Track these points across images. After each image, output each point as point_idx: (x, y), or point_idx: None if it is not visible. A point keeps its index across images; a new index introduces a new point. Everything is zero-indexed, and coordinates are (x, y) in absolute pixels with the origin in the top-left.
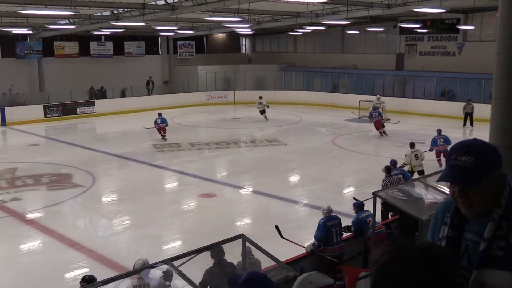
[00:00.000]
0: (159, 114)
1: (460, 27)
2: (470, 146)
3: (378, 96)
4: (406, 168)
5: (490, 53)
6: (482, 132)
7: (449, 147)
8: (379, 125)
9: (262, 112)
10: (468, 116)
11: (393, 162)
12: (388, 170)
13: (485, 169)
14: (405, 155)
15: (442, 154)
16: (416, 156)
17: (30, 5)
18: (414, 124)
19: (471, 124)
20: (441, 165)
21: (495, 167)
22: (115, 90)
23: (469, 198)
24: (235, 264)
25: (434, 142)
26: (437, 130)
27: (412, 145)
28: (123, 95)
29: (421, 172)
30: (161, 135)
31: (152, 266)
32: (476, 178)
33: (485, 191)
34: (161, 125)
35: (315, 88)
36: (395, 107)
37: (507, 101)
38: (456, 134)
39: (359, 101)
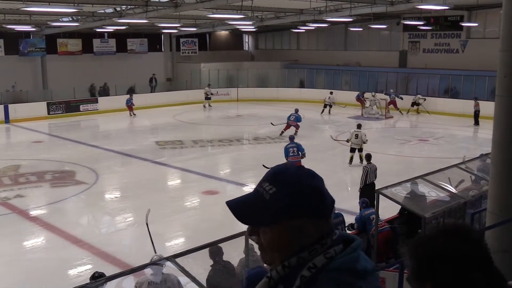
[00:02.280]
0: (130, 95)
1: (463, 24)
2: (281, 173)
3: (374, 93)
4: (348, 144)
5: (494, 51)
6: (486, 130)
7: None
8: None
9: (207, 98)
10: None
11: (292, 137)
12: (368, 158)
13: (283, 208)
14: (350, 132)
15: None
16: (356, 136)
17: (33, 2)
18: (417, 121)
19: (477, 122)
20: None
21: (303, 212)
22: (118, 87)
23: (259, 239)
24: (238, 261)
25: (286, 153)
26: (289, 138)
27: (358, 126)
28: (131, 92)
29: (360, 150)
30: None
31: (155, 263)
32: (264, 216)
33: (278, 238)
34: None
35: (318, 85)
36: (398, 104)
37: (511, 99)
38: (462, 132)
39: (374, 94)
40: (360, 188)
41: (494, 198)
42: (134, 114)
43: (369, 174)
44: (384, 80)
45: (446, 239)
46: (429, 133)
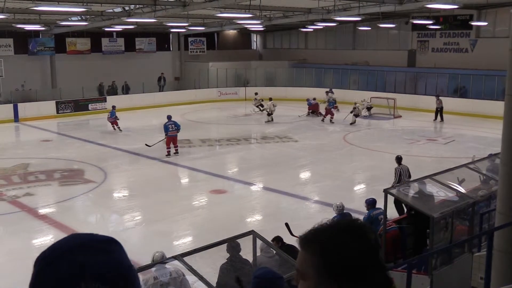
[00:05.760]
0: (113, 107)
1: (473, 23)
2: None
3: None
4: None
5: (504, 50)
6: (495, 129)
7: (178, 133)
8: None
9: (261, 106)
10: (438, 111)
11: (169, 116)
12: (399, 160)
13: None
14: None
15: (172, 140)
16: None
17: (42, 1)
18: (426, 121)
19: (441, 119)
20: (168, 154)
21: None
22: (126, 86)
23: None
24: (250, 260)
25: (166, 129)
26: (167, 117)
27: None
28: (127, 91)
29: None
30: (114, 127)
31: (163, 262)
32: None
33: None
34: (112, 119)
35: (326, 84)
36: (407, 104)
37: None
38: (471, 131)
39: (371, 97)
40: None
41: (503, 199)
42: (120, 130)
43: (402, 175)
44: (392, 79)
45: (353, 240)
46: (438, 133)
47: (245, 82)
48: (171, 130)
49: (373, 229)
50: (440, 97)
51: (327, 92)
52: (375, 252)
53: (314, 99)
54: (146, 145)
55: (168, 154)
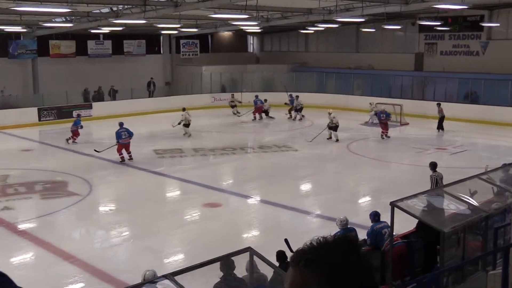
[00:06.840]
0: (78, 115)
1: (484, 25)
2: None
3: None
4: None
5: None
6: (509, 138)
7: (131, 140)
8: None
9: (234, 106)
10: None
11: (121, 123)
12: (433, 166)
13: None
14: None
15: (124, 147)
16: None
17: (24, 1)
18: (435, 128)
19: (442, 128)
20: (122, 160)
21: None
22: (113, 92)
23: None
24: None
25: (118, 136)
26: (119, 124)
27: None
28: (114, 96)
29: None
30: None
31: (153, 281)
32: None
33: None
34: (75, 128)
35: (328, 89)
36: (414, 110)
37: None
38: (483, 140)
39: (376, 103)
40: None
41: None
42: (74, 141)
43: (438, 182)
44: (399, 84)
45: (346, 254)
46: (448, 141)
47: (223, 88)
48: (123, 138)
49: (358, 240)
50: (441, 105)
51: (296, 97)
52: (366, 261)
53: (265, 100)
54: (95, 150)
55: (122, 160)
